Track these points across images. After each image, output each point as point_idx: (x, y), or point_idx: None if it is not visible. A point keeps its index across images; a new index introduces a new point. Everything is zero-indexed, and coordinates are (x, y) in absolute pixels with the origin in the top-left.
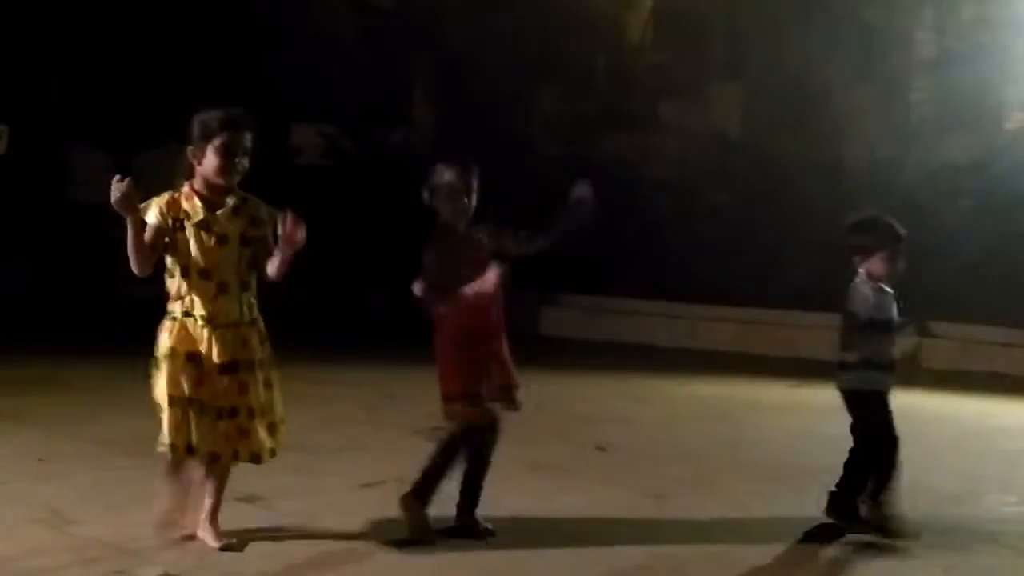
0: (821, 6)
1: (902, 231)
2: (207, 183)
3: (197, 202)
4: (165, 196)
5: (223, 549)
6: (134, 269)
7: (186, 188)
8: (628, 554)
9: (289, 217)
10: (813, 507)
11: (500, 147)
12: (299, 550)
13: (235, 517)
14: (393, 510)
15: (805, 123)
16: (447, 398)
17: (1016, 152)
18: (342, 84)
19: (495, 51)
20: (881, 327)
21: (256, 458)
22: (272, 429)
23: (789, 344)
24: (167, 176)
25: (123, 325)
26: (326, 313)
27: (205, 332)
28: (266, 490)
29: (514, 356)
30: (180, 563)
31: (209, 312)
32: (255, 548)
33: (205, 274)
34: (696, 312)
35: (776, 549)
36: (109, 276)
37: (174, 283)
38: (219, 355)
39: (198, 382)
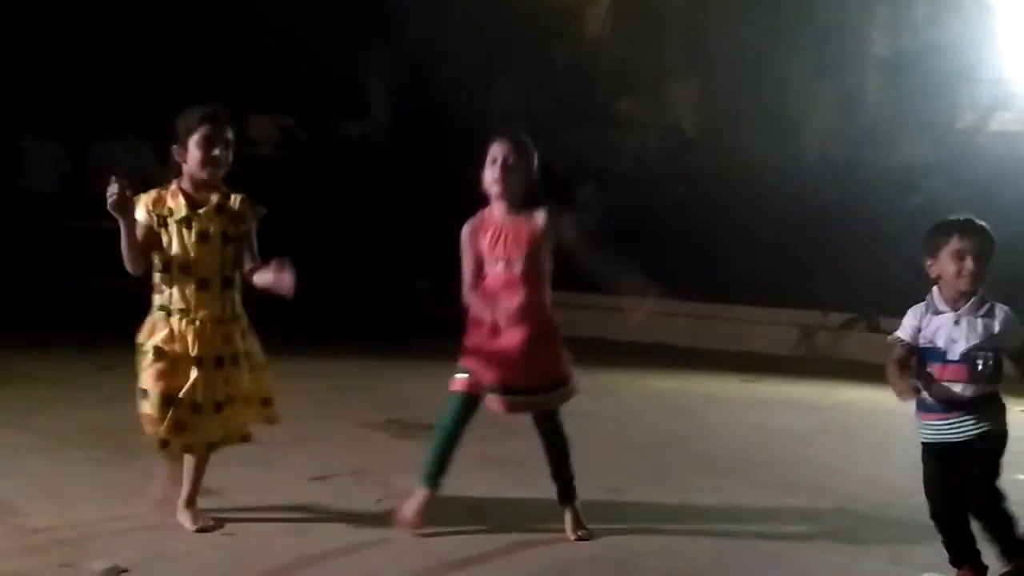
0: (778, 4)
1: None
2: (192, 180)
3: (181, 199)
4: (152, 193)
5: (199, 531)
6: (128, 268)
7: (173, 185)
8: (581, 546)
9: (277, 266)
10: (766, 501)
11: (457, 141)
12: (250, 542)
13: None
14: (345, 502)
15: (762, 120)
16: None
17: (968, 152)
18: (298, 75)
19: (452, 44)
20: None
21: (246, 438)
22: (267, 403)
23: (743, 339)
24: (124, 166)
25: (72, 315)
26: (280, 304)
27: (183, 327)
28: (219, 482)
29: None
30: (130, 556)
31: (189, 307)
32: (207, 541)
33: (186, 270)
34: (652, 306)
35: (728, 542)
36: (57, 266)
37: (157, 278)
38: (197, 349)
39: (171, 376)
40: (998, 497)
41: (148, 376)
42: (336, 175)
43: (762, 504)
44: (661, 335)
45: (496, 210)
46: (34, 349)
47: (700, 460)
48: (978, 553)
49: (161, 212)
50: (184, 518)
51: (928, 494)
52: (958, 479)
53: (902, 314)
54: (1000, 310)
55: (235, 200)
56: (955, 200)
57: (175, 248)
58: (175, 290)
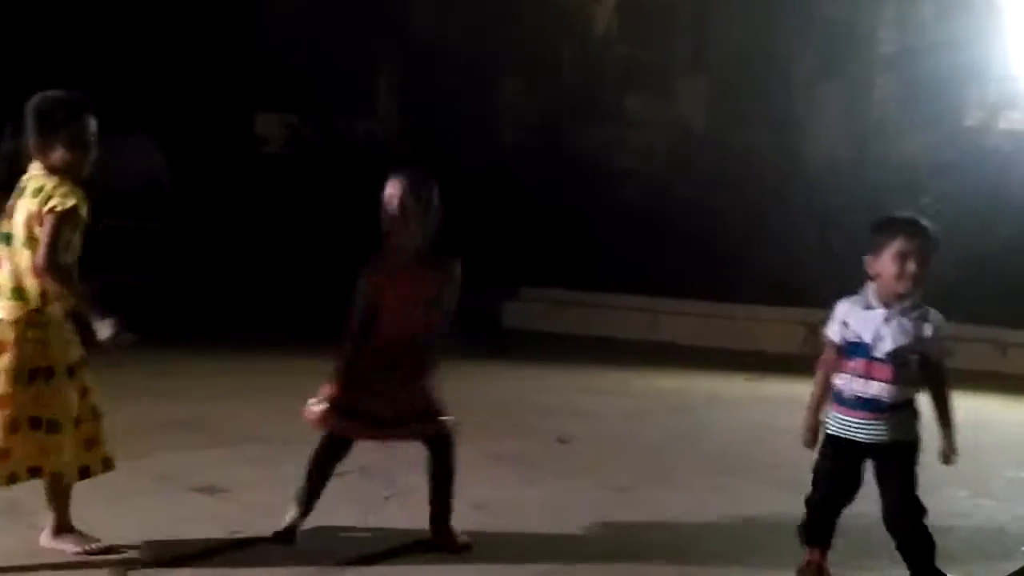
0: (786, 2)
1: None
2: None
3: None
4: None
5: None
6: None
7: None
8: (587, 545)
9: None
10: (770, 499)
11: (465, 139)
12: (252, 541)
13: (195, 509)
14: (352, 499)
15: (769, 118)
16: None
17: (975, 150)
18: (307, 74)
19: (460, 42)
20: None
21: (35, 471)
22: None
23: (750, 338)
24: (133, 164)
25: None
26: (288, 303)
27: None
28: (226, 482)
29: (477, 348)
30: (134, 555)
31: None
32: (211, 540)
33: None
34: (658, 305)
35: (734, 540)
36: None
37: None
38: None
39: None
40: (918, 509)
41: None
42: (343, 173)
43: (768, 502)
44: (667, 333)
45: (397, 254)
46: None
47: (706, 459)
48: (830, 544)
49: None
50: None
51: (816, 481)
52: (852, 476)
53: None
54: (934, 316)
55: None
56: (963, 198)
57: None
58: None
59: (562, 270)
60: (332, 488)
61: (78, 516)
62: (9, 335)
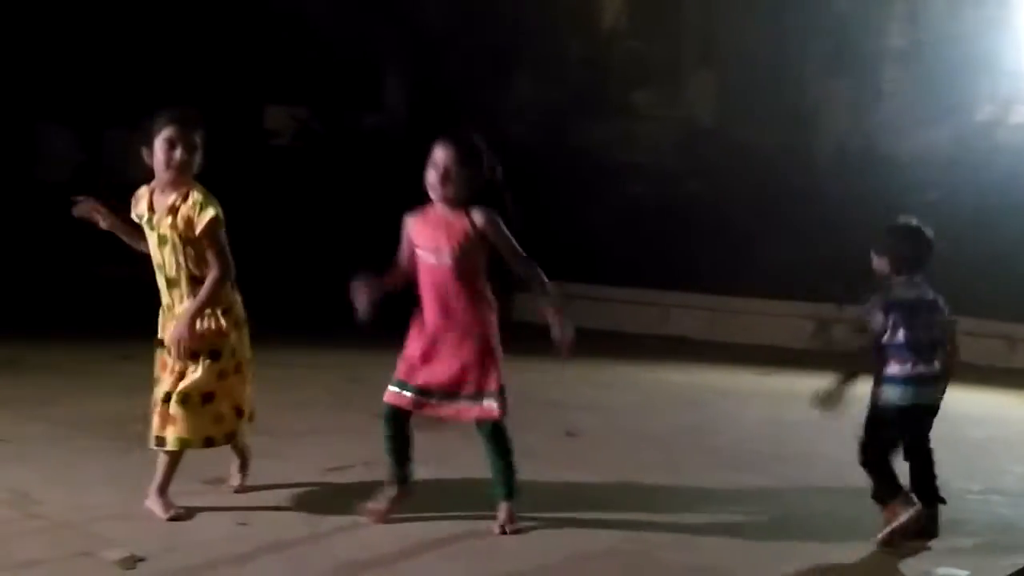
0: None
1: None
2: (159, 180)
3: (145, 201)
4: (140, 190)
5: (171, 519)
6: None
7: (150, 185)
8: (596, 538)
9: None
10: (778, 494)
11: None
12: (266, 532)
13: (203, 500)
14: (359, 492)
15: (778, 112)
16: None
17: (986, 144)
18: (315, 66)
19: (468, 36)
20: None
21: (210, 442)
22: (239, 413)
23: (758, 332)
24: (135, 157)
25: (91, 305)
26: (298, 295)
27: (165, 321)
28: (232, 473)
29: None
30: (146, 545)
31: (167, 304)
32: (223, 531)
33: (159, 268)
34: (668, 299)
35: (743, 534)
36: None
37: None
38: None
39: (162, 368)
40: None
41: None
42: (352, 166)
43: (777, 497)
44: (677, 328)
45: (438, 207)
46: (52, 339)
47: (715, 452)
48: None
49: (139, 212)
50: (154, 505)
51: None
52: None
53: None
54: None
55: (188, 201)
56: (974, 193)
57: (150, 246)
58: (160, 286)
59: (571, 264)
60: (333, 486)
61: (87, 505)
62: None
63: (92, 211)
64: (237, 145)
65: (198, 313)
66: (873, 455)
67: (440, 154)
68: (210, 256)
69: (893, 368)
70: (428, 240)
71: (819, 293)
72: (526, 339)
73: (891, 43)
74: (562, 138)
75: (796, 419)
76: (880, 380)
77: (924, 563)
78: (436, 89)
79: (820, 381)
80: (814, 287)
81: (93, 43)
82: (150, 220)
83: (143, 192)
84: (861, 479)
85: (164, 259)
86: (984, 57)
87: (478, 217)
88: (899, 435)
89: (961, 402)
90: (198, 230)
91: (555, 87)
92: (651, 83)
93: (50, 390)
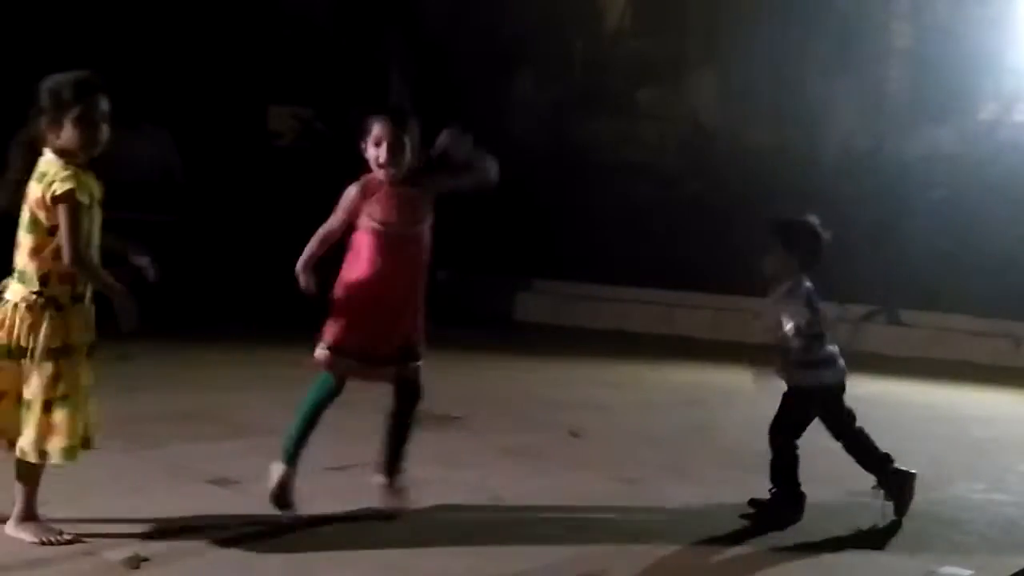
0: None
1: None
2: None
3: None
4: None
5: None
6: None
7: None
8: (599, 538)
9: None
10: None
11: (476, 131)
12: (269, 533)
13: (205, 499)
14: (361, 492)
15: (781, 111)
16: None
17: (990, 142)
18: (318, 66)
19: (472, 35)
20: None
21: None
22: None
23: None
24: (146, 156)
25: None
26: (300, 296)
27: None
28: (236, 473)
29: (489, 341)
30: (149, 546)
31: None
32: (225, 531)
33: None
34: (672, 299)
35: (748, 534)
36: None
37: None
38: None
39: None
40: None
41: None
42: (355, 166)
43: None
44: (680, 327)
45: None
46: None
47: (719, 452)
48: None
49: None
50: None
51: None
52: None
53: (924, 306)
54: None
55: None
56: (977, 191)
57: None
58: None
59: (574, 264)
60: (333, 485)
61: (91, 506)
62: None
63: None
64: (241, 146)
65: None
66: (788, 438)
67: (379, 129)
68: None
69: (813, 354)
70: (393, 213)
71: (822, 291)
72: (528, 338)
73: (894, 42)
74: (565, 137)
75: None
76: (804, 365)
77: (927, 562)
78: (440, 88)
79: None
80: (817, 286)
81: (94, 43)
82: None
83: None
84: (864, 477)
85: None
86: (987, 55)
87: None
88: (817, 415)
89: (966, 401)
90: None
91: (558, 86)
92: (654, 82)
93: None
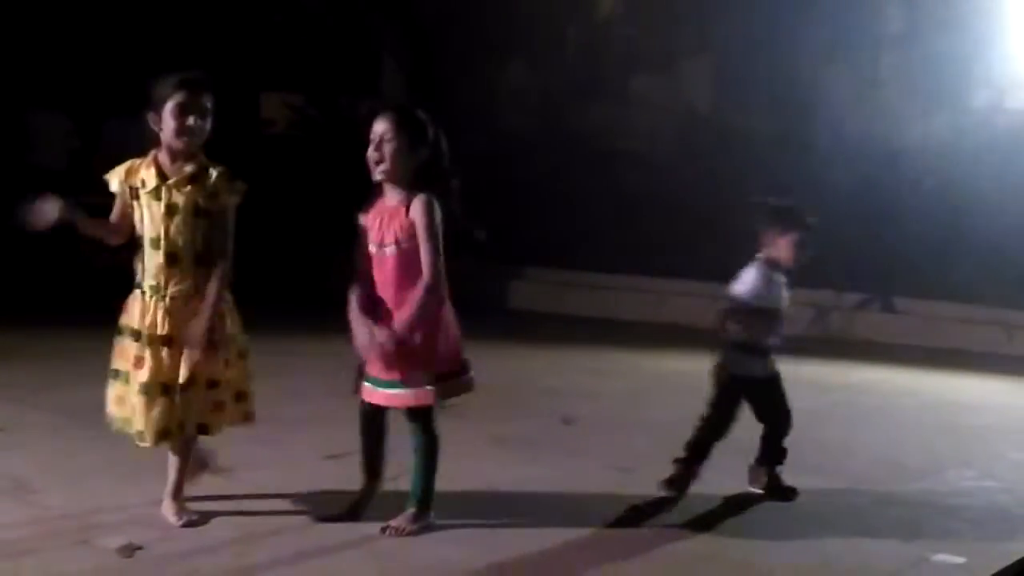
0: None
1: (812, 220)
2: (169, 149)
3: (153, 170)
4: (127, 163)
5: (184, 526)
6: (109, 243)
7: (150, 155)
8: (592, 525)
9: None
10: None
11: (469, 119)
12: (265, 521)
13: (204, 488)
14: (357, 480)
15: (774, 99)
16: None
17: (982, 131)
18: (310, 53)
19: (464, 22)
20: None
21: (204, 429)
22: (240, 397)
23: None
24: (137, 144)
25: (84, 293)
26: (293, 282)
27: (152, 304)
28: (233, 461)
29: (483, 330)
30: (144, 534)
31: (159, 284)
32: (220, 520)
33: (155, 243)
34: (663, 286)
35: (739, 521)
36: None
37: (136, 255)
38: (163, 327)
39: (137, 360)
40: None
41: (119, 356)
42: (347, 153)
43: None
44: (673, 315)
45: (385, 194)
46: (45, 326)
47: None
48: None
49: (133, 184)
50: (168, 512)
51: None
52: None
53: (918, 294)
54: None
55: (212, 173)
56: (970, 179)
57: (145, 220)
58: (146, 264)
59: (567, 251)
60: (332, 472)
61: (86, 494)
62: None
63: (61, 211)
64: (233, 134)
65: (219, 304)
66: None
67: (377, 125)
68: (219, 237)
69: (774, 339)
70: (375, 233)
71: (816, 279)
72: (522, 326)
73: (888, 29)
74: (558, 125)
75: (794, 406)
76: (742, 348)
77: (920, 549)
78: (433, 75)
79: (818, 369)
80: (811, 273)
81: (85, 31)
82: (156, 189)
83: (142, 162)
84: (860, 466)
85: (170, 231)
86: (980, 42)
87: (415, 207)
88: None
89: (958, 389)
90: (222, 205)
91: (551, 74)
92: (647, 70)
93: (47, 379)
